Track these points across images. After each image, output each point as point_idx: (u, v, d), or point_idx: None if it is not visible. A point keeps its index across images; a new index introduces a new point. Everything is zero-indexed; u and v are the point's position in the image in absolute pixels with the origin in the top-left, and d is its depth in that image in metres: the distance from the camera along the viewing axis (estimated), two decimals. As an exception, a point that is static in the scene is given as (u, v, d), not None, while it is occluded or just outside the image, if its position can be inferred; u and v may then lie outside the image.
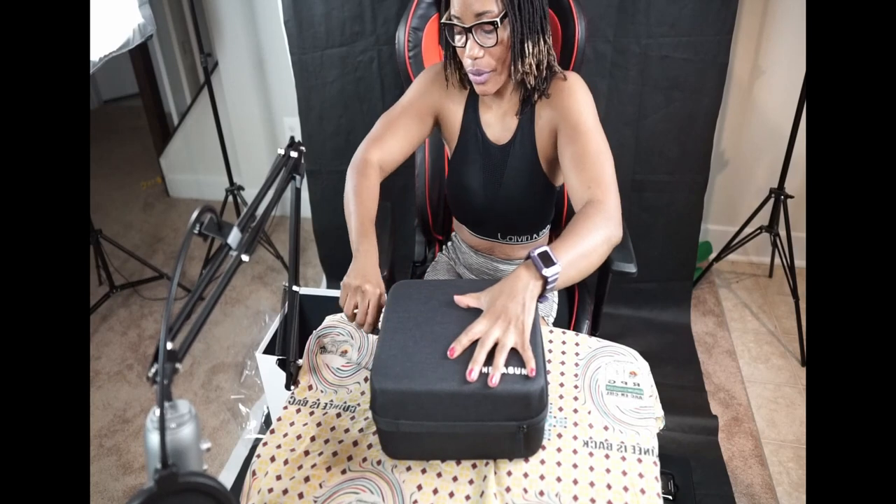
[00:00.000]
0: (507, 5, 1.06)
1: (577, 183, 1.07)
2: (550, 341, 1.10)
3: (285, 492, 0.87)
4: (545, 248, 0.92)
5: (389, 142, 1.25)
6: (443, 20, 1.12)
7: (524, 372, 0.83)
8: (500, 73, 1.13)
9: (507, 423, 0.84)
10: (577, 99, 1.14)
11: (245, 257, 0.79)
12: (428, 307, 0.95)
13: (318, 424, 0.97)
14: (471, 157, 1.28)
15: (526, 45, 1.10)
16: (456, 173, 1.32)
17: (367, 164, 1.23)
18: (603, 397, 0.99)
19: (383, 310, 0.99)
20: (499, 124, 1.26)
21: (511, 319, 0.87)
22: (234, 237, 0.77)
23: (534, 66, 1.13)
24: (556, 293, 1.43)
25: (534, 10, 1.08)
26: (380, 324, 1.00)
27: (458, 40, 1.11)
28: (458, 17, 1.07)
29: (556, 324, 1.39)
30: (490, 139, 1.26)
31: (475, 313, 0.93)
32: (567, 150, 1.11)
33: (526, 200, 1.28)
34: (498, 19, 1.05)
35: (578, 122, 1.11)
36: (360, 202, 1.18)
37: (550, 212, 1.34)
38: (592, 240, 0.97)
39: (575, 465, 0.88)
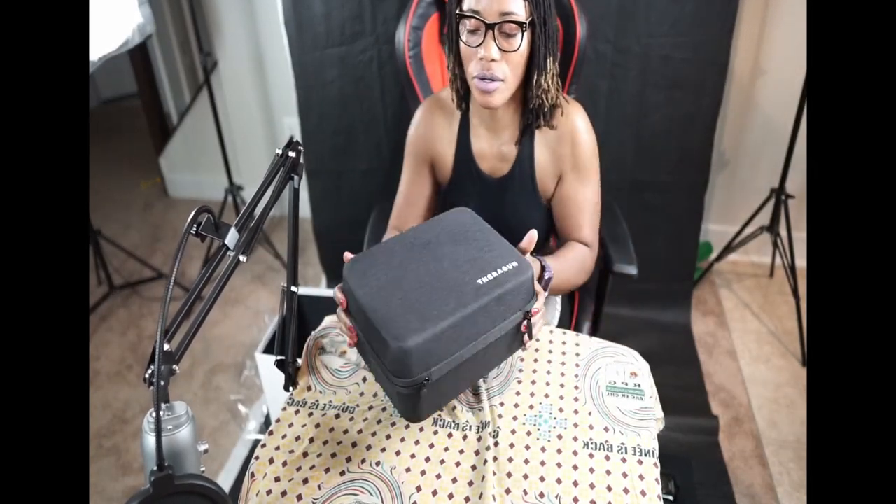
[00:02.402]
0: (534, 13, 0.99)
1: (573, 225, 1.19)
2: (551, 342, 1.09)
3: (284, 494, 0.86)
4: (552, 272, 1.06)
5: (410, 219, 1.26)
6: (456, 11, 1.02)
7: (513, 265, 0.89)
8: (510, 85, 1.04)
9: (516, 315, 0.89)
10: (586, 147, 1.14)
11: (243, 257, 0.78)
12: (394, 264, 0.91)
13: (317, 425, 0.96)
14: (467, 191, 1.23)
15: (548, 60, 1.04)
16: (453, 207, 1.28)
17: None
18: (603, 398, 0.98)
19: (349, 291, 0.92)
20: (494, 155, 1.19)
21: None
22: (231, 237, 0.76)
23: (550, 86, 1.07)
24: (558, 299, 1.42)
25: (553, 27, 1.03)
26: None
27: (473, 39, 1.01)
28: (479, 12, 0.98)
29: (557, 326, 1.39)
30: (485, 172, 1.20)
31: (448, 248, 0.93)
32: (570, 194, 1.18)
33: (525, 230, 1.24)
34: (526, 22, 0.99)
35: (588, 173, 1.16)
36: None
37: (547, 233, 1.30)
38: (576, 280, 1.16)
39: (575, 467, 0.88)
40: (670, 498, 1.59)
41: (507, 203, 1.21)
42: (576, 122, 1.13)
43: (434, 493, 0.86)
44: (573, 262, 1.15)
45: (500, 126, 1.16)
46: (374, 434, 0.94)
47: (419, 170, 1.25)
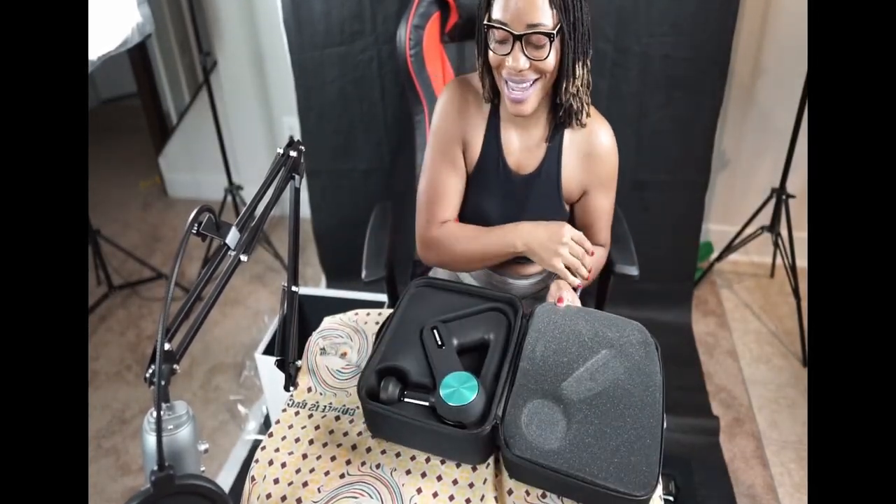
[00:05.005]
0: (562, 19, 0.98)
1: (594, 231, 1.24)
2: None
3: (284, 498, 0.86)
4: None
5: (446, 212, 1.21)
6: (484, 21, 1.02)
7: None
8: (539, 90, 1.05)
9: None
10: (612, 165, 1.18)
11: (244, 257, 0.78)
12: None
13: (317, 427, 0.96)
14: (490, 186, 1.20)
15: (577, 65, 1.04)
16: (473, 201, 1.23)
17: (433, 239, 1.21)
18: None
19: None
20: (523, 151, 1.18)
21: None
22: (232, 237, 0.76)
23: (581, 90, 1.07)
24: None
25: (584, 30, 1.02)
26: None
27: (501, 48, 1.01)
28: (506, 24, 0.98)
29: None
30: (512, 168, 1.19)
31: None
32: (595, 206, 1.22)
33: None
34: (554, 32, 0.98)
35: (611, 186, 1.20)
36: (466, 232, 1.19)
37: None
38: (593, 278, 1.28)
39: (576, 467, 0.88)
40: (671, 498, 1.59)
41: (529, 202, 1.19)
42: (603, 140, 1.15)
43: (434, 494, 0.85)
44: (595, 264, 1.24)
45: (529, 124, 1.16)
46: (374, 436, 0.93)
47: (452, 155, 1.19)
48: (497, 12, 0.99)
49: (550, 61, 1.01)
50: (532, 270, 1.34)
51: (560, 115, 1.12)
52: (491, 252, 1.16)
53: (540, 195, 1.19)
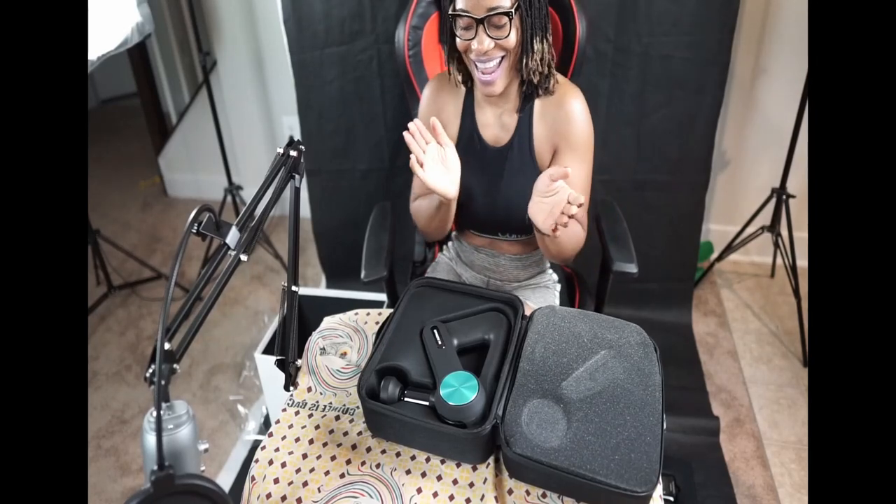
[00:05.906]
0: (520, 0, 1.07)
1: None
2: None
3: (284, 498, 0.86)
4: None
5: (419, 189, 1.35)
6: (449, 11, 1.11)
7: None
8: (508, 67, 1.13)
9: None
10: (581, 127, 1.20)
11: (244, 257, 0.78)
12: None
13: (317, 427, 0.96)
14: (469, 162, 1.26)
15: (535, 40, 1.12)
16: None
17: None
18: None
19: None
20: (496, 125, 1.26)
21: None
22: (232, 237, 0.76)
23: (540, 64, 1.15)
24: (557, 297, 1.43)
25: (540, 6, 1.10)
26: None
27: (466, 33, 1.11)
28: (468, 10, 1.08)
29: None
30: (487, 141, 1.26)
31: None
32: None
33: (525, 202, 1.25)
34: (512, 11, 1.07)
35: (581, 153, 1.21)
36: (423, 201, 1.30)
37: None
38: (569, 246, 1.20)
39: (576, 467, 0.88)
40: (671, 498, 1.59)
41: (506, 172, 1.25)
42: (573, 104, 1.20)
43: (435, 494, 0.85)
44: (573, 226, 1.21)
45: (501, 99, 1.23)
46: (374, 436, 0.93)
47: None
48: (460, 3, 1.09)
49: (512, 39, 1.10)
50: (521, 251, 1.37)
51: (526, 87, 1.20)
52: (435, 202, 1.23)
53: (515, 165, 1.25)
